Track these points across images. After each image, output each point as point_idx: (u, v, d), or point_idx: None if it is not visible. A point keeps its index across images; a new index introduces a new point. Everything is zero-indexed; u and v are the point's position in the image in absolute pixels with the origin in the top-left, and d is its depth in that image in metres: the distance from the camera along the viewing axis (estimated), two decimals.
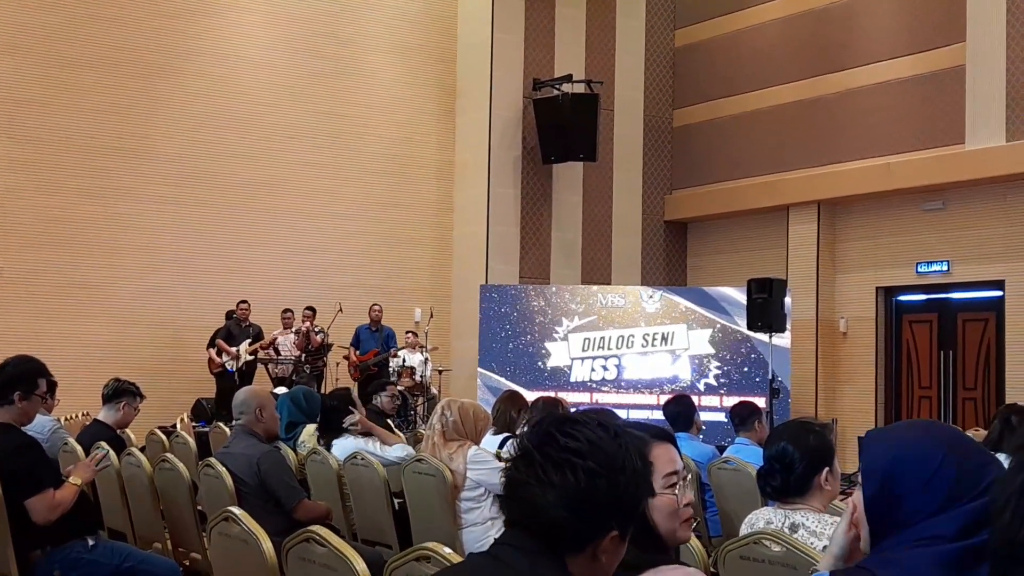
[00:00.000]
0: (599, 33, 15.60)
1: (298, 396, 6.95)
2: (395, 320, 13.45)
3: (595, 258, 15.43)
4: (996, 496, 1.38)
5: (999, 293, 12.70)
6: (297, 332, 12.82)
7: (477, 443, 5.13)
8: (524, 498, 1.78)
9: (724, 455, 6.13)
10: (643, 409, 13.04)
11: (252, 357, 12.64)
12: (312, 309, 12.91)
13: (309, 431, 6.60)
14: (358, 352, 13.08)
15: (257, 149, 13.77)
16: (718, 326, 13.50)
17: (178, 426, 9.77)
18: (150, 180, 13.07)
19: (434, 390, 13.10)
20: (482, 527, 4.93)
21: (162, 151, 13.18)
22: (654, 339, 13.61)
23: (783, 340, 12.77)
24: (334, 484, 5.74)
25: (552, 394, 9.69)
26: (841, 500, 3.67)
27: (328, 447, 6.12)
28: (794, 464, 3.24)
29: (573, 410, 5.56)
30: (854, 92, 13.85)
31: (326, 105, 14.29)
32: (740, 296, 12.76)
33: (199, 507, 5.12)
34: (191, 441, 7.17)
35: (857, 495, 1.91)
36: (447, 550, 2.67)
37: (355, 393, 7.64)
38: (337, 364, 13.12)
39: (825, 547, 3.11)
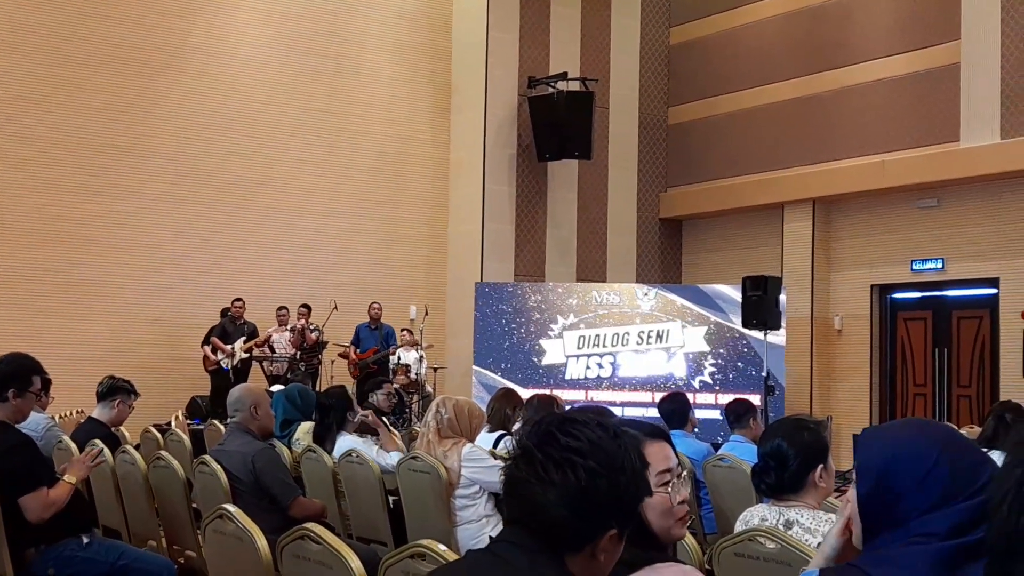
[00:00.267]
0: (594, 31, 15.60)
1: (293, 394, 6.95)
2: (390, 318, 13.45)
3: (590, 256, 15.44)
4: (993, 491, 1.38)
5: (993, 291, 12.73)
6: (292, 330, 12.82)
7: (472, 441, 5.13)
8: (524, 496, 1.78)
9: (719, 452, 6.14)
10: (638, 407, 13.05)
11: (247, 355, 12.63)
12: (307, 307, 12.91)
13: (304, 429, 6.59)
14: (358, 350, 13.08)
15: (253, 147, 13.75)
16: (713, 324, 13.51)
17: (173, 424, 9.77)
18: (147, 178, 13.05)
19: (429, 388, 13.10)
20: (477, 524, 4.94)
21: (159, 149, 13.16)
22: (649, 337, 13.62)
23: (778, 337, 12.79)
24: (329, 482, 5.73)
25: (547, 392, 9.70)
26: (836, 497, 3.67)
27: (327, 448, 6.02)
28: (788, 461, 3.25)
29: (568, 408, 5.57)
30: (849, 90, 13.87)
31: (322, 103, 14.27)
32: (735, 293, 12.77)
33: (194, 505, 5.12)
34: (186, 439, 7.16)
35: (852, 493, 1.92)
36: (442, 547, 2.67)
37: (351, 391, 7.63)
38: (332, 361, 13.12)
39: (820, 544, 3.11)
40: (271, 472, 4.80)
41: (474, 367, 13.63)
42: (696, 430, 6.99)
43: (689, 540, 3.24)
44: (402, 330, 13.42)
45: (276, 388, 9.00)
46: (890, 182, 13.25)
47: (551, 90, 14.57)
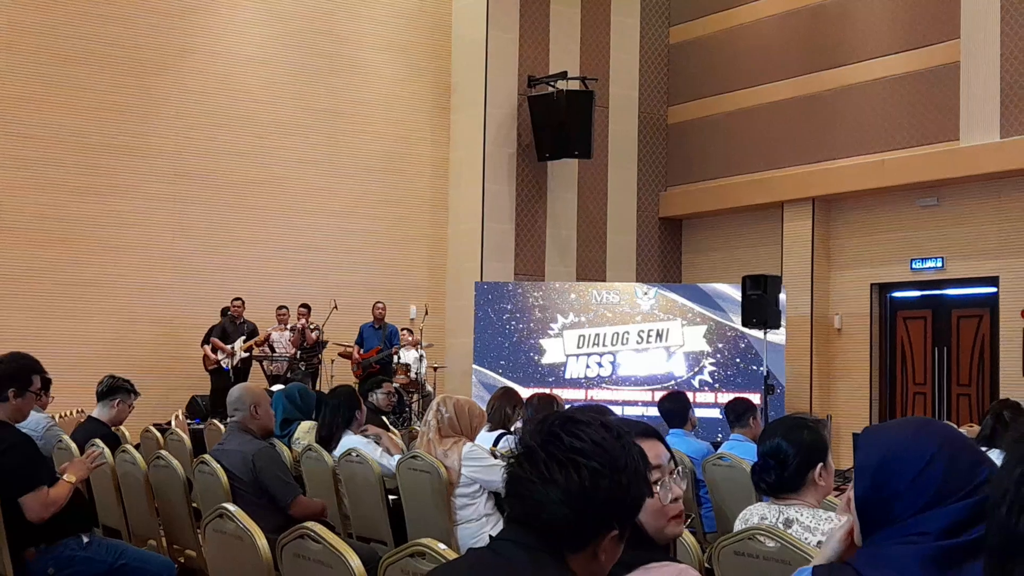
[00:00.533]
0: (594, 30, 15.60)
1: (293, 393, 6.94)
2: (390, 317, 13.45)
3: (590, 255, 15.44)
4: (993, 489, 1.38)
5: (993, 289, 12.73)
6: (292, 329, 12.82)
7: (472, 440, 5.13)
8: (527, 495, 1.78)
9: (719, 451, 6.14)
10: (638, 406, 13.06)
11: (247, 354, 12.63)
12: (307, 306, 12.91)
13: (304, 428, 6.59)
14: (361, 350, 13.09)
15: (253, 146, 13.76)
16: (713, 323, 13.52)
17: (173, 423, 9.78)
18: (146, 178, 13.05)
19: (429, 387, 13.10)
20: (477, 523, 4.94)
21: (158, 149, 13.16)
22: (649, 336, 13.62)
23: (778, 336, 12.79)
24: (329, 481, 5.73)
25: (547, 391, 9.70)
26: (835, 496, 3.68)
27: (332, 447, 5.99)
28: (788, 460, 3.25)
29: (567, 407, 5.57)
30: (849, 89, 13.87)
31: (321, 102, 14.28)
32: (735, 293, 12.77)
33: (194, 504, 5.12)
34: (186, 438, 7.16)
35: (851, 491, 1.92)
36: (442, 546, 2.67)
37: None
38: (332, 361, 13.12)
39: (820, 542, 3.12)
40: (271, 471, 4.80)
41: (474, 366, 13.63)
42: (696, 429, 6.99)
43: (689, 539, 3.24)
44: (402, 329, 13.43)
45: (276, 388, 9.01)
46: (890, 181, 13.25)
47: (551, 89, 14.57)
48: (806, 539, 3.12)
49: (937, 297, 13.53)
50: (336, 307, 12.84)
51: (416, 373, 12.91)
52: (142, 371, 10.83)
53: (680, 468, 2.37)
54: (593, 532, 1.78)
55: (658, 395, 8.40)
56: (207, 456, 5.00)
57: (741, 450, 5.87)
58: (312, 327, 12.80)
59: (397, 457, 5.82)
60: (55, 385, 5.41)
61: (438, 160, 15.14)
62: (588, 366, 13.67)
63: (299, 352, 12.82)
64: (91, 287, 12.64)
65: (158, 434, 7.52)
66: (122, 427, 6.51)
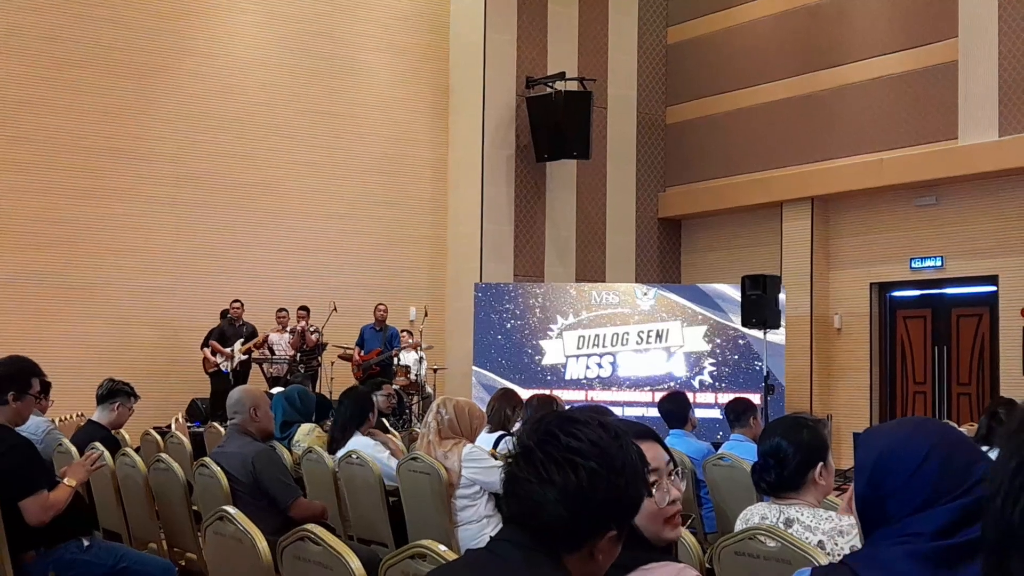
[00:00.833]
0: (592, 30, 15.61)
1: (293, 395, 6.94)
2: (390, 319, 13.44)
3: (589, 256, 15.44)
4: (989, 482, 1.38)
5: (992, 288, 12.73)
6: (292, 331, 12.82)
7: (472, 441, 5.13)
8: (524, 495, 1.78)
9: (719, 451, 6.14)
10: (638, 406, 13.06)
11: (246, 356, 12.63)
12: (306, 308, 12.91)
13: (304, 430, 6.59)
14: (362, 351, 13.08)
15: (251, 149, 13.76)
16: (712, 323, 13.52)
17: (173, 426, 9.77)
18: (145, 180, 13.05)
19: (429, 388, 13.10)
20: (477, 525, 4.94)
21: (157, 151, 13.15)
22: (648, 336, 13.62)
23: (777, 336, 12.79)
24: (329, 483, 5.73)
25: (547, 392, 9.70)
26: (835, 495, 3.68)
27: (338, 448, 5.97)
28: (788, 459, 3.25)
29: (567, 408, 5.57)
30: (847, 88, 13.87)
31: (320, 105, 14.28)
32: (734, 293, 12.77)
33: (194, 507, 5.12)
34: (186, 441, 7.16)
35: (852, 491, 1.92)
36: (442, 548, 2.67)
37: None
38: (332, 363, 13.11)
39: (820, 542, 3.12)
40: (271, 473, 4.80)
41: (474, 367, 13.63)
42: (696, 429, 6.99)
43: (689, 539, 3.24)
44: (402, 331, 13.42)
45: (276, 390, 9.01)
46: (888, 180, 13.26)
47: (549, 90, 14.57)
48: (807, 539, 3.12)
49: (937, 296, 13.54)
50: (335, 309, 12.83)
51: (416, 375, 12.91)
52: (142, 374, 10.81)
53: (679, 469, 2.36)
54: (590, 532, 1.77)
55: (658, 396, 8.40)
56: (207, 459, 5.00)
57: (741, 450, 5.87)
58: (312, 329, 12.80)
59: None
60: (55, 389, 5.41)
61: (437, 161, 15.14)
62: (588, 367, 13.66)
63: (299, 354, 12.81)
64: (90, 290, 12.64)
65: (158, 437, 7.52)
66: (122, 430, 6.51)
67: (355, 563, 2.81)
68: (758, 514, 3.35)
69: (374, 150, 14.65)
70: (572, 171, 15.24)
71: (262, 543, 3.24)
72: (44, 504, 4.27)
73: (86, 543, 4.49)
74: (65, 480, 4.46)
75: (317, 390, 11.48)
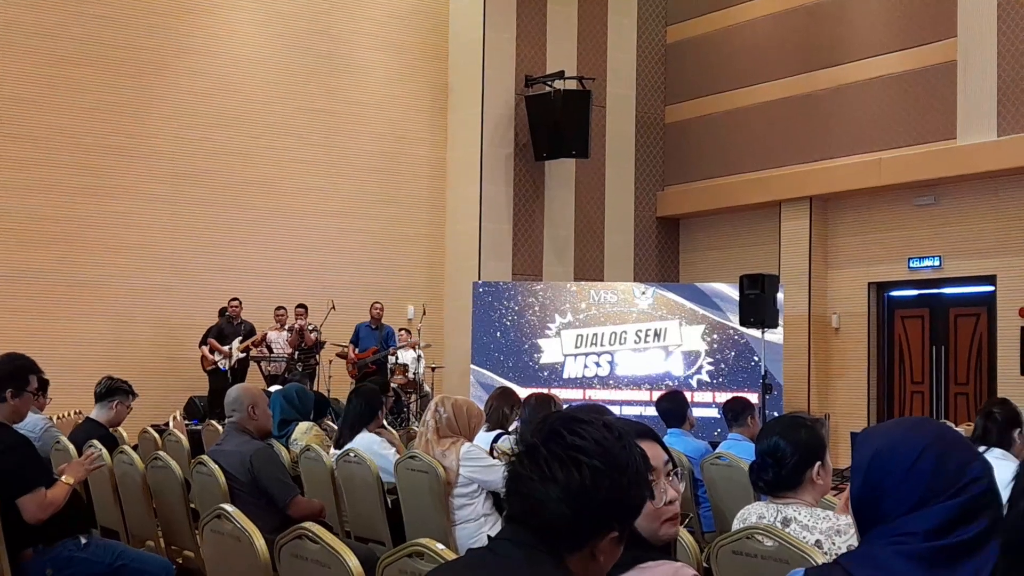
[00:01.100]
0: (591, 30, 15.60)
1: (291, 393, 6.94)
2: (387, 317, 13.45)
3: (588, 255, 15.44)
4: (1014, 487, 1.37)
5: (991, 288, 12.74)
6: (290, 330, 12.82)
7: (470, 440, 5.13)
8: (526, 493, 1.77)
9: (717, 451, 6.14)
10: (636, 405, 13.06)
11: (244, 354, 12.63)
12: (304, 307, 12.90)
13: (302, 429, 6.59)
14: (357, 349, 13.08)
15: (250, 147, 13.75)
16: (711, 322, 13.52)
17: (171, 424, 9.78)
18: (143, 178, 13.04)
19: (427, 387, 13.10)
20: (475, 524, 4.94)
21: (155, 149, 13.15)
22: (647, 335, 13.63)
23: (775, 336, 12.80)
24: (327, 481, 5.73)
25: (545, 391, 9.70)
26: (833, 495, 3.68)
27: (341, 445, 5.95)
28: (786, 459, 3.25)
29: (565, 407, 5.56)
30: (845, 88, 13.88)
31: (318, 103, 14.27)
32: (732, 292, 12.78)
33: (192, 505, 5.12)
34: (184, 439, 7.16)
35: (848, 490, 1.92)
36: (440, 546, 2.67)
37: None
38: (330, 361, 13.11)
39: (818, 541, 3.12)
40: (269, 472, 4.80)
41: (472, 366, 13.63)
42: (694, 428, 6.99)
43: (687, 538, 3.24)
44: (400, 330, 13.43)
45: (274, 388, 9.01)
46: (887, 180, 13.26)
47: (548, 89, 14.57)
48: (804, 538, 3.12)
49: (935, 296, 13.55)
50: (334, 307, 12.84)
51: (414, 373, 12.91)
52: (139, 372, 10.82)
53: (678, 469, 2.36)
54: (591, 532, 1.76)
55: (656, 395, 8.40)
56: (205, 457, 5.00)
57: (739, 449, 5.88)
58: (310, 327, 12.80)
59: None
60: (52, 386, 5.41)
61: (435, 160, 15.14)
62: (586, 366, 13.67)
63: (297, 352, 12.81)
64: (88, 288, 12.63)
65: (156, 435, 7.52)
66: (120, 428, 6.51)
67: (353, 561, 2.81)
68: (756, 513, 3.36)
69: (373, 148, 14.65)
70: (571, 170, 15.24)
71: (260, 541, 3.24)
72: (42, 502, 4.27)
73: (84, 541, 4.49)
74: (63, 478, 4.45)
75: (315, 388, 11.48)
